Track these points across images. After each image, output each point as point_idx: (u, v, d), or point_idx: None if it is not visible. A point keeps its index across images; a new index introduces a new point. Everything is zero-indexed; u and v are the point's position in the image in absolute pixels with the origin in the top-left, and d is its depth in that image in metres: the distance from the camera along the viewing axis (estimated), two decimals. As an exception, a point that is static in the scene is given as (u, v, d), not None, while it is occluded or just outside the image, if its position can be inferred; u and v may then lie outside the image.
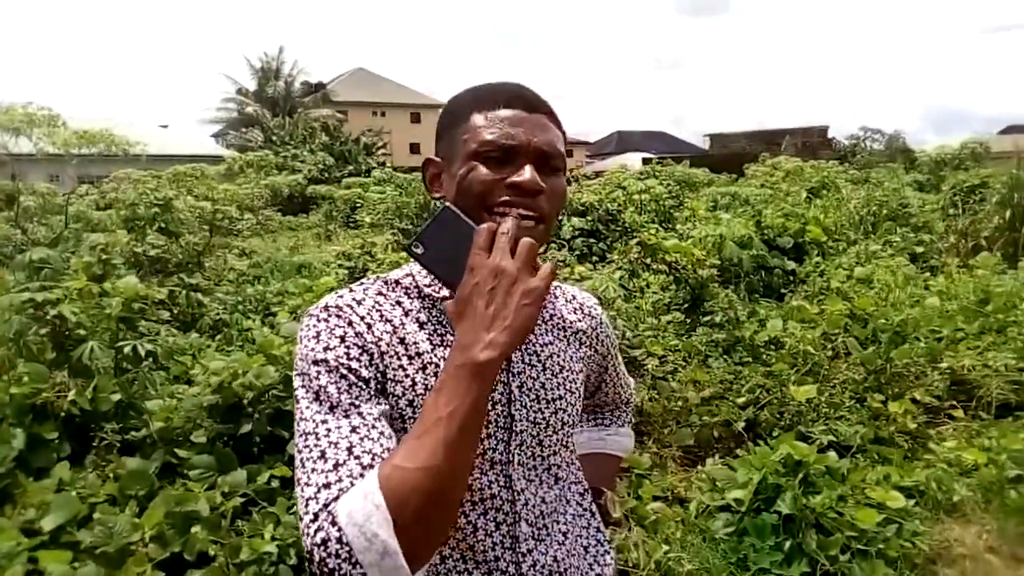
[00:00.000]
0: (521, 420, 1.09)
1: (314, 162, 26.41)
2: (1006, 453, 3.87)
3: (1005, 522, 3.44)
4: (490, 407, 1.06)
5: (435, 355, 1.05)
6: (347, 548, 0.87)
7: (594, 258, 7.29)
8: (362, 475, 0.92)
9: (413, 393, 1.03)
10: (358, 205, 16.36)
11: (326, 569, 0.89)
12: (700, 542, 3.03)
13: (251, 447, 3.34)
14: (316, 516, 0.92)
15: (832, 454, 3.51)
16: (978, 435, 4.14)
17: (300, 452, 0.98)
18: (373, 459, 0.94)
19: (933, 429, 4.23)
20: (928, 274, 7.23)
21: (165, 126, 37.21)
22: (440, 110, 1.17)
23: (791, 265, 6.99)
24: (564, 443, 1.17)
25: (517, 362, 1.11)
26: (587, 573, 1.17)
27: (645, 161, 25.20)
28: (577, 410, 1.19)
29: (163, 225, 6.11)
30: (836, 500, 3.14)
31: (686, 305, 5.65)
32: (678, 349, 4.88)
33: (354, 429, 0.96)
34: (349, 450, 0.95)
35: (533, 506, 1.10)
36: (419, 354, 1.05)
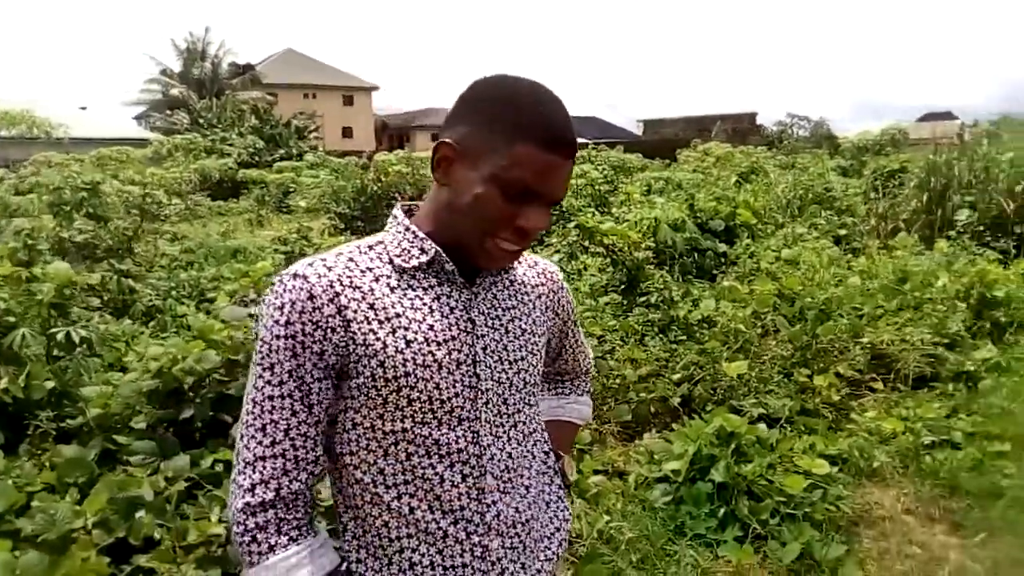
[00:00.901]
0: (486, 380, 1.15)
1: (244, 146, 25.80)
2: (922, 422, 4.12)
3: (921, 485, 3.68)
4: (455, 367, 1.12)
5: (405, 318, 1.11)
6: (276, 523, 1.06)
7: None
8: (286, 474, 1.07)
9: (384, 355, 1.08)
10: (291, 190, 16.11)
11: (246, 524, 1.06)
12: (639, 511, 3.15)
13: (193, 432, 3.31)
14: (254, 487, 1.06)
15: (762, 426, 3.70)
16: (896, 406, 4.39)
17: (246, 418, 1.08)
18: (297, 464, 1.08)
19: (855, 401, 4.47)
20: (851, 255, 7.56)
21: (84, 108, 35.78)
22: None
23: (722, 247, 7.21)
24: (528, 402, 1.23)
25: (481, 325, 1.16)
26: (547, 525, 1.25)
27: (580, 146, 25.42)
28: (539, 371, 1.26)
29: (91, 210, 5.93)
30: (766, 468, 3.31)
31: (623, 287, 5.79)
32: (616, 329, 5.00)
33: (295, 412, 1.07)
34: (286, 432, 1.07)
35: (499, 461, 1.17)
36: (388, 318, 1.10)
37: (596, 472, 3.58)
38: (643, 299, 5.54)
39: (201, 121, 30.38)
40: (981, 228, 8.24)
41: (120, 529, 2.65)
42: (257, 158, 24.94)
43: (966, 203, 8.62)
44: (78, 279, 3.97)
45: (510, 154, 1.07)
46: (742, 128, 35.72)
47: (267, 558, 1.06)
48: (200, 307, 5.58)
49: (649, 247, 6.27)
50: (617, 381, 4.32)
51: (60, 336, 3.59)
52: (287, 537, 1.07)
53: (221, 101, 34.00)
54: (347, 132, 48.79)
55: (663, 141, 30.88)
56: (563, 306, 1.37)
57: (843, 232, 8.79)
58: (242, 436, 1.09)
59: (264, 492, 1.06)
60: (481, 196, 1.08)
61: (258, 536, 1.06)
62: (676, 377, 4.40)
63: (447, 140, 1.11)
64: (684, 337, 4.97)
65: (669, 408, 4.19)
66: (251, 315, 3.66)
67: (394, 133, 54.21)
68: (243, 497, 1.07)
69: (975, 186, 8.79)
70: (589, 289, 5.78)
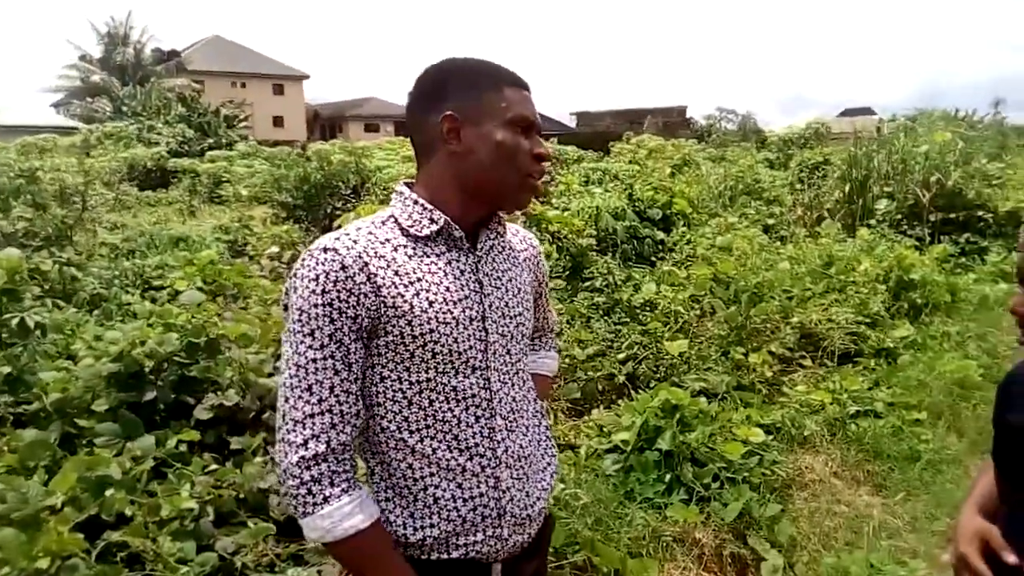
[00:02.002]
0: (493, 333, 1.31)
1: (172, 134, 25.07)
2: (847, 394, 4.44)
3: (847, 451, 3.98)
4: (469, 323, 1.28)
5: (426, 281, 1.26)
6: (329, 476, 1.18)
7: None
8: (333, 427, 1.19)
9: (412, 315, 1.23)
10: (224, 179, 15.80)
11: (302, 478, 1.17)
12: (592, 479, 3.34)
13: (154, 415, 3.34)
14: (306, 442, 1.18)
15: (703, 399, 3.93)
16: (824, 380, 4.71)
17: (290, 380, 1.20)
18: (343, 418, 1.20)
19: (786, 376, 4.76)
20: (779, 242, 7.93)
21: (-6, 94, 34.10)
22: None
23: (660, 235, 7.49)
24: (525, 352, 1.41)
25: (487, 285, 1.32)
26: (541, 459, 1.43)
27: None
28: (531, 325, 1.43)
29: (30, 197, 5.80)
30: (708, 437, 3.53)
31: (568, 272, 5.99)
32: (562, 312, 5.19)
33: (337, 372, 1.20)
34: (331, 390, 1.20)
35: (505, 403, 1.33)
36: (412, 282, 1.24)
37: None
38: (588, 284, 5.75)
39: (125, 109, 29.36)
40: (899, 217, 8.74)
41: (91, 507, 2.70)
42: (187, 147, 24.28)
43: (885, 193, 9.11)
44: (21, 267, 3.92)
45: (505, 99, 1.28)
46: (672, 121, 36.50)
47: (322, 508, 1.17)
48: (146, 295, 5.54)
49: (592, 235, 6.49)
50: (566, 361, 4.51)
51: (14, 322, 3.57)
52: (340, 488, 1.19)
53: (145, 88, 32.88)
54: (278, 121, 47.76)
55: (596, 133, 31.35)
56: (540, 269, 1.54)
57: (772, 221, 9.20)
58: (287, 398, 1.20)
59: (316, 446, 1.18)
60: (503, 141, 1.27)
61: (313, 488, 1.18)
62: (621, 356, 4.61)
63: (448, 113, 1.27)
64: (627, 319, 5.20)
65: (615, 385, 4.40)
66: (211, 299, 3.72)
67: (326, 123, 53.34)
68: (296, 452, 1.18)
69: (893, 177, 9.30)
70: (534, 275, 5.94)
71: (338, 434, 1.20)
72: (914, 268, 6.24)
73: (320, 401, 1.19)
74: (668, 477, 3.36)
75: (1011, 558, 1.21)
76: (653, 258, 7.08)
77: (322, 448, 1.18)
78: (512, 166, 1.28)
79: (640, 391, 4.16)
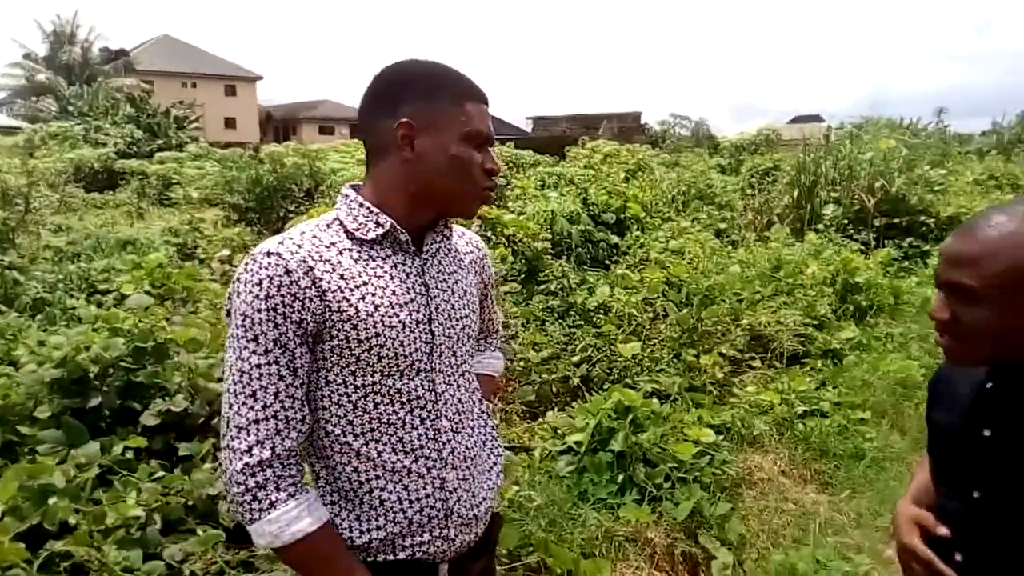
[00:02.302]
0: (439, 336, 1.32)
1: (120, 135, 24.51)
2: (795, 394, 4.54)
3: (795, 450, 4.07)
4: (415, 326, 1.28)
5: (372, 284, 1.26)
6: (274, 481, 1.17)
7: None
8: (278, 433, 1.18)
9: (357, 319, 1.23)
10: (174, 181, 15.50)
11: (247, 484, 1.17)
12: (546, 480, 3.36)
13: (100, 422, 3.27)
14: (250, 448, 1.17)
15: (655, 400, 3.99)
16: (773, 381, 4.81)
17: (234, 386, 1.20)
18: (288, 423, 1.20)
19: (737, 377, 4.85)
20: (730, 246, 8.06)
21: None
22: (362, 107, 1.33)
23: (614, 239, 7.56)
24: (470, 354, 1.42)
25: (433, 288, 1.33)
26: (487, 460, 1.44)
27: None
28: (477, 327, 1.44)
29: (-31, 198, 5.61)
30: (660, 438, 3.59)
31: (523, 276, 6.01)
32: (517, 316, 5.21)
33: (281, 377, 1.19)
34: (276, 395, 1.19)
35: (451, 404, 1.34)
36: (358, 286, 1.24)
37: (504, 448, 3.77)
38: (543, 287, 5.79)
39: (71, 109, 28.62)
40: (845, 221, 8.97)
41: (34, 516, 2.62)
42: (135, 148, 23.74)
43: (832, 199, 9.34)
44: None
45: (464, 113, 1.28)
46: (627, 127, 36.80)
47: (269, 513, 1.17)
48: (91, 299, 5.41)
49: (547, 238, 6.53)
50: (521, 364, 4.53)
51: (-48, 326, 3.45)
52: (286, 493, 1.18)
53: (92, 88, 32.09)
54: (230, 123, 46.99)
55: (552, 138, 31.43)
56: (486, 270, 1.55)
57: (723, 225, 9.35)
58: (231, 404, 1.20)
59: (261, 452, 1.18)
60: (458, 154, 1.27)
61: (259, 494, 1.17)
62: (575, 359, 4.65)
63: (404, 120, 1.26)
64: (582, 322, 5.24)
65: (570, 387, 4.44)
66: (160, 303, 3.65)
67: (280, 125, 52.63)
68: (241, 459, 1.17)
69: (840, 183, 9.53)
70: (490, 279, 5.96)
71: (283, 440, 1.19)
72: (859, 271, 6.41)
73: (265, 407, 1.18)
74: (621, 478, 3.39)
75: (942, 530, 1.26)
76: (607, 262, 7.15)
77: (267, 454, 1.18)
78: (464, 179, 1.29)
79: (594, 393, 4.20)
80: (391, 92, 1.30)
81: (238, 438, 1.18)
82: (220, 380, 3.42)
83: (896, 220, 9.03)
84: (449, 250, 1.42)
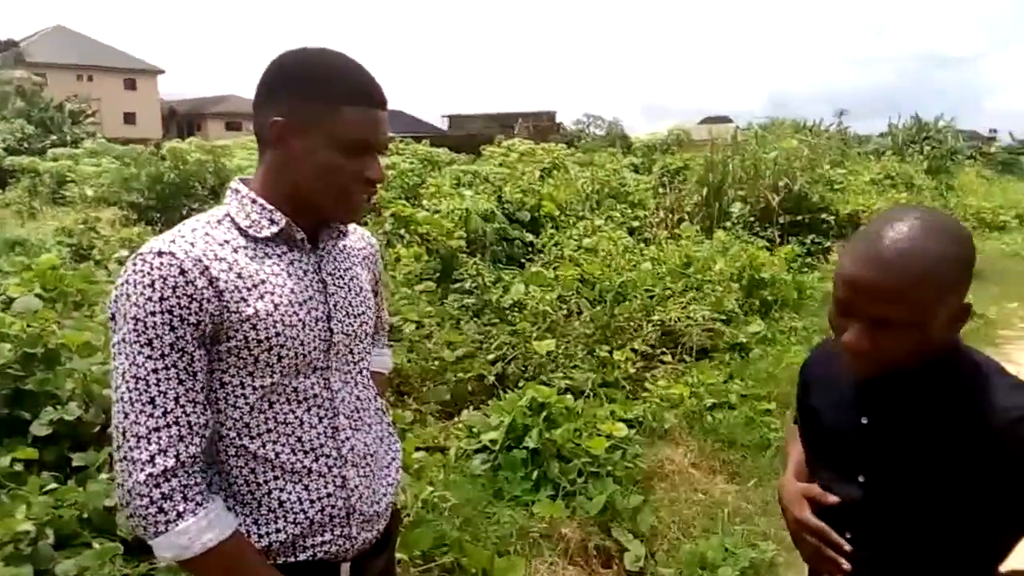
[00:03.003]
0: (338, 333, 1.28)
1: (9, 130, 23.17)
2: (704, 387, 4.66)
3: (704, 442, 4.18)
4: (314, 324, 1.24)
5: (270, 283, 1.21)
6: (181, 491, 1.11)
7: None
8: (181, 440, 1.12)
9: (257, 319, 1.18)
10: (69, 179, 14.74)
11: (151, 496, 1.10)
12: (461, 479, 3.34)
13: (-16, 432, 3.07)
14: (152, 458, 1.10)
15: (569, 396, 4.02)
16: (683, 375, 4.92)
17: (128, 394, 1.12)
18: (192, 429, 1.14)
19: (648, 372, 4.94)
20: (643, 244, 8.22)
21: None
22: (268, 74, 1.24)
23: (529, 237, 7.60)
24: (368, 350, 1.39)
25: (331, 285, 1.30)
26: (385, 456, 1.41)
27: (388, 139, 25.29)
28: (372, 324, 1.41)
29: None
30: (573, 433, 3.61)
31: (437, 275, 5.97)
32: (432, 315, 5.17)
33: (181, 382, 1.13)
34: (176, 400, 1.13)
35: (348, 402, 1.31)
36: (255, 285, 1.19)
37: (418, 449, 3.72)
38: (457, 286, 5.76)
39: (-46, 101, 26.86)
40: (752, 219, 9.28)
41: (-92, 536, 2.44)
42: (26, 144, 22.48)
43: (739, 197, 9.66)
44: None
45: (340, 118, 1.20)
46: (543, 126, 37.13)
47: (176, 525, 1.11)
48: (-25, 303, 5.07)
49: (461, 237, 6.50)
50: (436, 363, 4.49)
51: None
52: (194, 503, 1.12)
53: (-21, 80, 30.18)
54: (130, 118, 45.06)
55: (468, 136, 31.43)
56: (377, 267, 1.52)
57: (636, 223, 9.53)
58: (126, 414, 1.12)
59: (165, 461, 1.11)
60: (324, 162, 1.21)
61: (164, 505, 1.11)
62: (491, 357, 4.64)
63: (278, 119, 1.20)
64: (497, 320, 5.24)
65: (485, 386, 4.42)
66: (51, 306, 3.44)
67: (183, 120, 50.80)
68: (143, 470, 1.10)
69: (746, 182, 9.87)
70: (404, 278, 5.90)
71: (187, 447, 1.13)
72: (765, 267, 6.65)
73: (165, 414, 1.12)
74: (535, 474, 3.40)
75: (831, 498, 1.29)
76: (522, 259, 7.17)
77: (171, 463, 1.11)
78: (332, 187, 1.23)
79: (509, 390, 4.20)
80: (273, 85, 1.24)
81: (137, 448, 1.11)
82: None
83: (799, 217, 9.41)
84: (345, 246, 1.39)
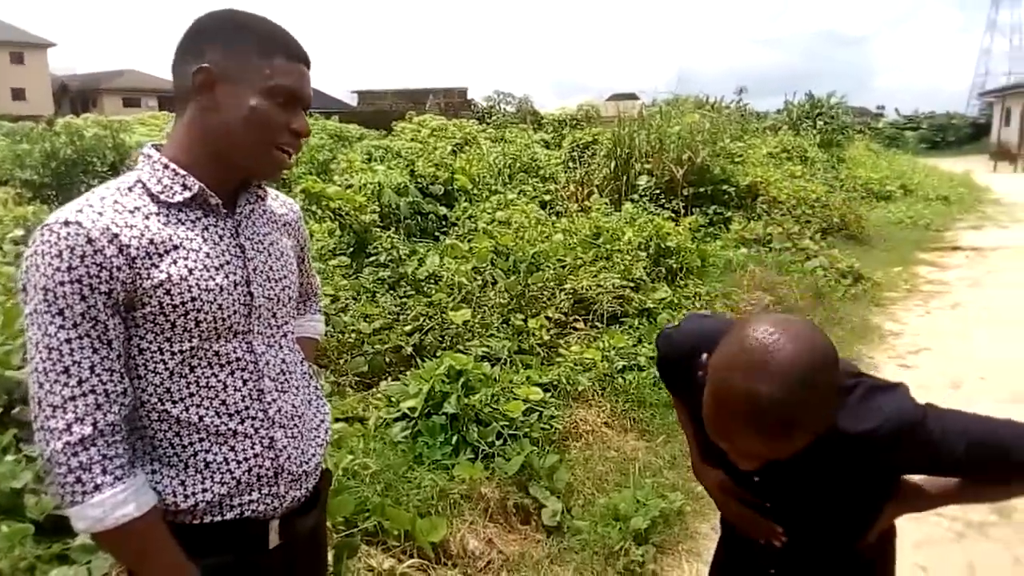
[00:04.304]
0: (258, 297, 1.30)
1: None
2: (615, 351, 4.83)
3: (616, 402, 4.35)
4: (233, 288, 1.26)
5: (184, 248, 1.21)
6: (100, 462, 1.12)
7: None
8: (99, 408, 1.13)
9: (170, 284, 1.18)
10: (-48, 158, 13.81)
11: (69, 465, 1.11)
12: (381, 447, 3.39)
13: None
14: (69, 427, 1.11)
15: (486, 364, 4.11)
16: (595, 340, 5.08)
17: (42, 364, 1.12)
18: (108, 397, 1.14)
19: (562, 338, 5.08)
20: (554, 216, 8.37)
21: None
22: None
23: (443, 210, 7.63)
24: (291, 315, 1.42)
25: (249, 249, 1.31)
26: (315, 417, 1.44)
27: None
28: (296, 288, 1.44)
29: None
30: (491, 398, 3.72)
31: (351, 249, 5.94)
32: (347, 288, 5.16)
33: (95, 350, 1.14)
34: (91, 369, 1.13)
35: (273, 365, 1.33)
36: (168, 251, 1.20)
37: (337, 420, 3.74)
38: (372, 259, 5.75)
39: None
40: (657, 191, 9.55)
41: None
42: (-101, 121, 20.83)
43: (645, 170, 9.90)
44: None
45: (270, 67, 1.23)
46: (454, 102, 36.90)
47: (93, 496, 1.11)
48: None
49: (375, 211, 6.48)
50: (352, 336, 4.51)
51: None
52: (112, 476, 1.13)
53: None
54: (18, 94, 42.37)
55: (378, 112, 30.99)
56: (301, 233, 1.54)
57: (548, 197, 9.67)
58: (41, 384, 1.12)
59: (82, 428, 1.11)
60: (256, 107, 1.22)
61: (83, 476, 1.11)
62: (408, 328, 4.68)
63: (204, 65, 1.21)
64: (413, 292, 5.27)
65: (403, 357, 4.47)
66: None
67: (77, 96, 48.06)
68: (60, 438, 1.11)
69: (652, 156, 10.12)
70: (317, 253, 5.85)
71: (104, 415, 1.13)
72: (670, 237, 6.88)
73: (80, 383, 1.12)
74: (455, 439, 3.49)
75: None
76: (437, 233, 7.20)
77: (88, 430, 1.12)
78: (261, 134, 1.24)
79: (427, 360, 4.26)
80: (197, 37, 1.25)
81: (53, 417, 1.11)
82: (19, 368, 3.16)
83: (702, 189, 9.74)
84: (264, 211, 1.40)
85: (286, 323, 1.39)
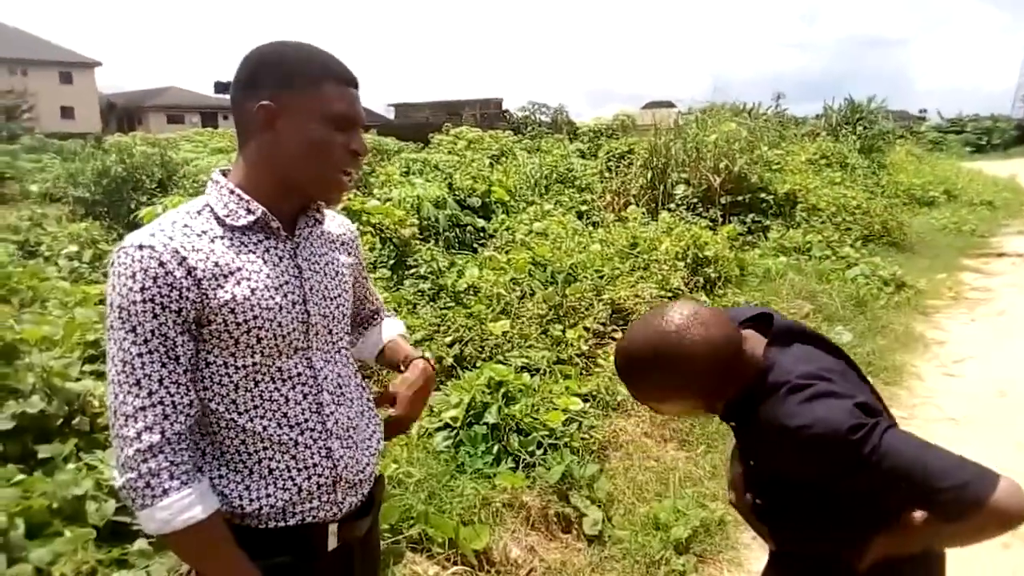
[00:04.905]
0: (315, 315, 1.38)
1: (-61, 128, 22.28)
2: (653, 361, 4.84)
3: (655, 413, 4.36)
4: (291, 307, 1.33)
5: (246, 270, 1.30)
6: (167, 468, 1.21)
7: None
8: (166, 418, 1.22)
9: (234, 304, 1.27)
10: (7, 176, 14.32)
11: (139, 471, 1.20)
12: (424, 457, 3.45)
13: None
14: (139, 435, 1.21)
15: (525, 374, 4.16)
16: (633, 350, 5.10)
17: (117, 376, 1.23)
18: (176, 408, 1.23)
19: (600, 349, 5.11)
20: (591, 227, 8.41)
21: None
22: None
23: (481, 222, 7.72)
24: (347, 331, 1.49)
25: (306, 270, 1.38)
26: (367, 428, 1.50)
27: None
28: (350, 305, 1.51)
29: None
30: (531, 408, 3.76)
31: (392, 262, 6.05)
32: (388, 301, 5.26)
33: (164, 365, 1.23)
34: (160, 382, 1.23)
35: (331, 380, 1.40)
36: (232, 272, 1.28)
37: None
38: (412, 272, 5.85)
39: None
40: (695, 200, 9.53)
41: None
42: (-42, 142, 21.63)
43: (682, 179, 9.90)
44: None
45: (325, 95, 1.31)
46: (490, 113, 37.15)
47: (162, 500, 1.20)
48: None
49: (414, 224, 6.59)
50: (393, 347, 4.58)
51: None
52: (179, 481, 1.21)
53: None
54: (67, 112, 43.67)
55: (415, 125, 31.36)
56: (357, 251, 1.61)
57: (584, 207, 9.73)
58: (116, 395, 1.22)
59: (150, 437, 1.20)
60: (317, 136, 1.30)
61: (152, 481, 1.20)
62: (448, 340, 4.75)
63: (264, 103, 1.29)
64: (453, 304, 5.35)
65: (444, 368, 4.53)
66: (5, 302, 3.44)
67: (123, 114, 49.40)
68: (132, 445, 1.20)
69: (688, 164, 10.11)
70: (359, 266, 5.95)
71: (172, 424, 1.22)
72: (708, 246, 6.87)
73: (150, 394, 1.21)
74: (496, 448, 3.54)
75: (745, 496, 1.60)
76: (475, 245, 7.29)
77: (156, 438, 1.20)
78: (323, 161, 1.32)
79: (467, 371, 4.32)
80: (253, 74, 1.32)
81: (126, 426, 1.20)
82: (78, 379, 3.30)
83: (739, 197, 9.69)
84: (322, 233, 1.47)
85: (341, 339, 1.46)
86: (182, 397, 1.24)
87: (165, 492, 1.20)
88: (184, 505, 1.21)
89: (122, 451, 1.20)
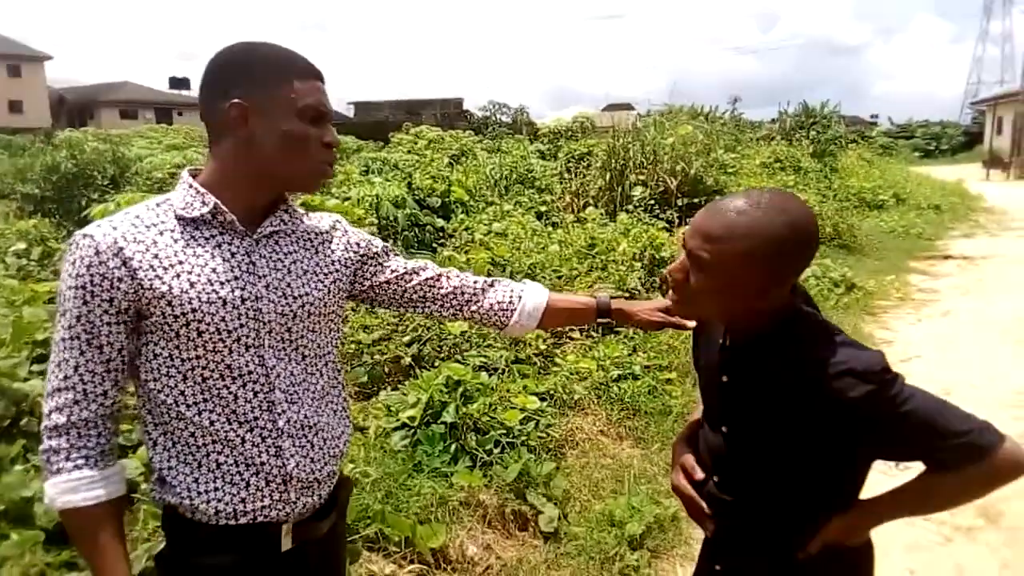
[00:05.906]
0: (269, 312, 1.36)
1: None
2: (610, 360, 4.91)
3: (611, 410, 4.42)
4: (240, 303, 1.33)
5: (188, 263, 1.31)
6: (66, 450, 1.29)
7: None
8: (76, 403, 1.28)
9: (171, 296, 1.28)
10: (-50, 172, 13.90)
11: (45, 445, 1.29)
12: (381, 456, 3.46)
13: None
14: (51, 413, 1.29)
15: (483, 374, 4.18)
16: (590, 349, 5.16)
17: (52, 355, 1.30)
18: (87, 396, 1.29)
19: (558, 348, 5.16)
20: (550, 227, 8.46)
21: None
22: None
23: (440, 222, 7.73)
24: (312, 329, 1.44)
25: (262, 267, 1.37)
26: (335, 428, 1.49)
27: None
28: (325, 303, 1.46)
29: None
30: (488, 407, 3.79)
31: (349, 260, 6.01)
32: (346, 300, 5.23)
33: (82, 352, 1.29)
34: (75, 368, 1.29)
35: (284, 377, 1.39)
36: (172, 265, 1.29)
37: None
38: (370, 271, 5.82)
39: None
40: (652, 202, 9.62)
41: None
42: None
43: (640, 181, 9.99)
44: None
45: (293, 90, 1.33)
46: (450, 113, 37.12)
47: (52, 478, 1.28)
48: None
49: (373, 223, 6.56)
50: (352, 346, 4.58)
51: None
52: (72, 464, 1.28)
53: None
54: (15, 107, 42.47)
55: (375, 124, 31.19)
56: (353, 237, 1.57)
57: (543, 208, 9.78)
58: (49, 370, 1.29)
59: (58, 417, 1.28)
60: (292, 131, 1.33)
61: (51, 458, 1.29)
62: (406, 339, 4.75)
63: (235, 101, 1.30)
64: (411, 303, 5.34)
65: (402, 367, 4.54)
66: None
67: (75, 109, 48.20)
68: (46, 419, 1.29)
69: (646, 167, 10.21)
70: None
71: (81, 410, 1.29)
72: (664, 247, 6.96)
73: (66, 378, 1.28)
74: (453, 447, 3.56)
75: (698, 474, 1.50)
76: (434, 244, 7.29)
77: (63, 420, 1.28)
78: (301, 155, 1.35)
79: (425, 371, 4.33)
80: (222, 75, 1.33)
81: (47, 401, 1.29)
82: (26, 380, 3.24)
83: (695, 200, 9.81)
84: (295, 231, 1.46)
85: (302, 337, 1.42)
86: (96, 386, 1.29)
87: (57, 472, 1.28)
88: (67, 488, 1.27)
89: (40, 422, 1.29)
